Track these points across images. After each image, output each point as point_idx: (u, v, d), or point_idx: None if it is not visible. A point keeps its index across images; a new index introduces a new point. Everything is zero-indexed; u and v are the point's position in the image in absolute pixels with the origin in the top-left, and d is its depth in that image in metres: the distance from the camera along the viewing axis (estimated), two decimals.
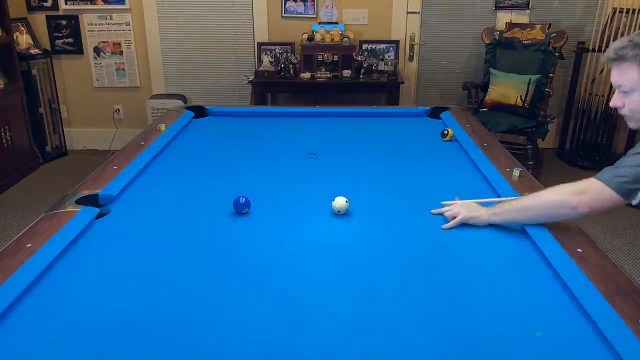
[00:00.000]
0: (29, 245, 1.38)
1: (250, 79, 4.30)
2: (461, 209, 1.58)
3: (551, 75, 4.04)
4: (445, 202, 1.66)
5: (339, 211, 1.63)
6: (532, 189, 1.72)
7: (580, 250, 1.37)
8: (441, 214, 1.63)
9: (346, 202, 1.63)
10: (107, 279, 1.32)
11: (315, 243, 1.50)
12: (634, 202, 1.36)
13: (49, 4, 4.53)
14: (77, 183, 1.83)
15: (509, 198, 1.64)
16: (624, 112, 1.44)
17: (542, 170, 4.15)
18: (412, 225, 1.59)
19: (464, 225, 1.56)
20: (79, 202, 1.66)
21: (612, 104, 1.46)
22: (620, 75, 1.39)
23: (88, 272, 1.35)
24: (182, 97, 4.63)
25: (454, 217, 1.57)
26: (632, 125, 1.46)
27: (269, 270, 1.36)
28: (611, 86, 1.38)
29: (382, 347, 1.08)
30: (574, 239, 1.43)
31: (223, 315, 1.17)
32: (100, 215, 1.62)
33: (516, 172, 1.87)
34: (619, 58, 1.37)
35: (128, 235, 1.53)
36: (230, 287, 1.28)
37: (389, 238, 1.54)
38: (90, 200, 1.70)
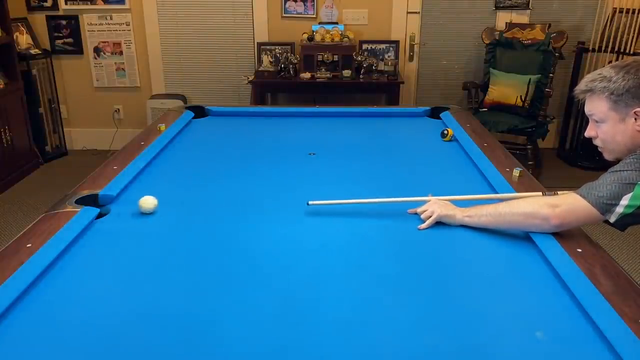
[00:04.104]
0: (29, 245, 1.38)
1: (250, 79, 4.30)
2: (436, 207, 1.59)
3: (551, 75, 4.05)
4: (415, 209, 1.66)
5: (146, 210, 1.61)
6: (532, 189, 1.73)
7: (580, 250, 1.37)
8: (416, 214, 1.63)
9: (154, 200, 1.61)
10: (107, 279, 1.32)
11: (315, 243, 1.50)
12: (612, 220, 1.37)
13: (49, 4, 4.53)
14: (77, 183, 1.83)
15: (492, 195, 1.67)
16: (597, 142, 1.51)
17: (542, 170, 4.14)
18: (412, 225, 1.59)
19: (462, 225, 1.56)
20: (79, 202, 1.66)
21: (586, 134, 1.54)
22: (591, 107, 1.46)
23: (88, 272, 1.34)
24: (182, 97, 4.63)
25: (429, 217, 1.58)
26: (606, 156, 1.52)
27: (269, 270, 1.36)
28: None
29: (383, 347, 1.08)
30: (574, 238, 1.43)
31: (222, 315, 1.17)
32: (100, 215, 1.62)
33: (516, 172, 1.87)
34: (589, 90, 1.45)
35: (128, 236, 1.53)
36: (229, 287, 1.28)
37: (389, 238, 1.54)
38: (90, 200, 1.69)
